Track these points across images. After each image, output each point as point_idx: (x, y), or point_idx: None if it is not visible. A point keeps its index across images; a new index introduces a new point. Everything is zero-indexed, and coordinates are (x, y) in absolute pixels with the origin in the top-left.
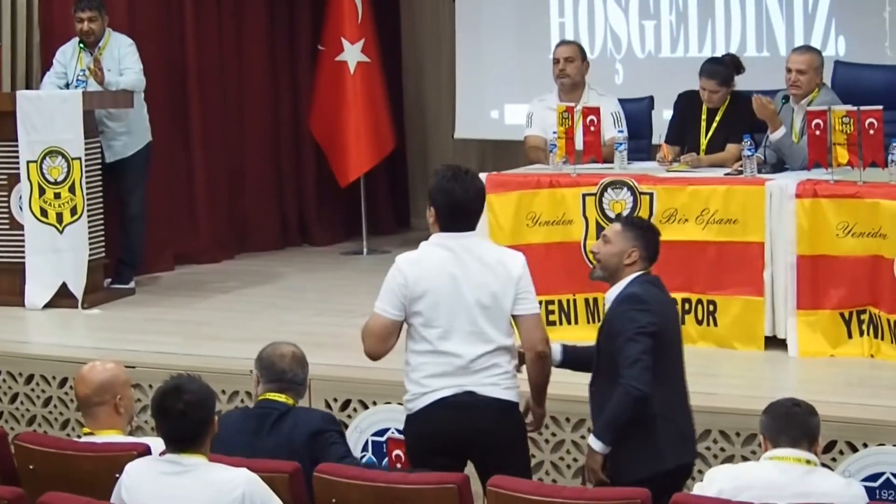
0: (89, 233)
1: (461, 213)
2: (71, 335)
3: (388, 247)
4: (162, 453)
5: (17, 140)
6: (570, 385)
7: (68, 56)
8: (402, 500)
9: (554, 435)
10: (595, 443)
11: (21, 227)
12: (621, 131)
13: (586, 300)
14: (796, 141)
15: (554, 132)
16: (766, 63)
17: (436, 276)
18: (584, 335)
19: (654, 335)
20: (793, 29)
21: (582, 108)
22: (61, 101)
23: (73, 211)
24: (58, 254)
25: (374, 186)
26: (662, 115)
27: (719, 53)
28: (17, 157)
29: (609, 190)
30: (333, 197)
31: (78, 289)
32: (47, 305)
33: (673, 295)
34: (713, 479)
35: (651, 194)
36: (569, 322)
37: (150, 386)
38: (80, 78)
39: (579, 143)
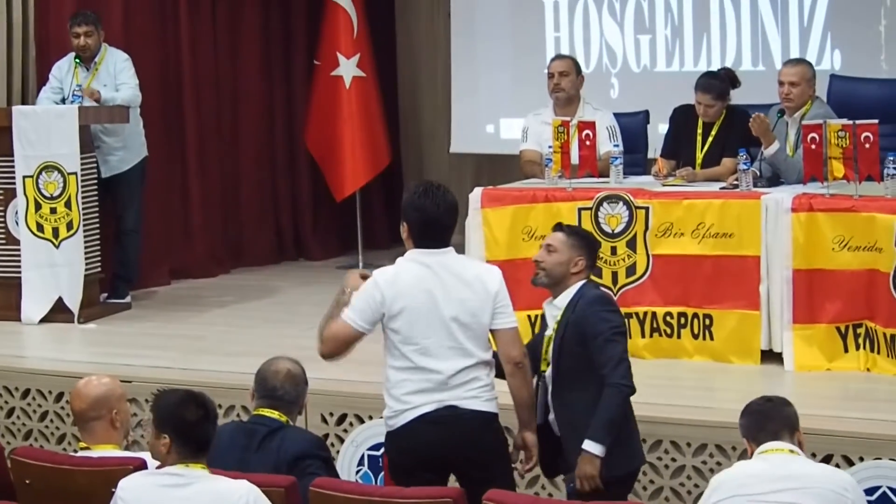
0: (85, 248)
1: (433, 228)
2: (67, 350)
3: (384, 261)
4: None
5: (13, 155)
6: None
7: (64, 71)
8: None
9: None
10: (595, 447)
11: (17, 242)
12: (617, 145)
13: None
14: (791, 154)
15: (549, 146)
16: (762, 77)
17: (413, 294)
18: None
19: (624, 335)
20: (788, 43)
21: (577, 123)
22: (57, 117)
23: (70, 226)
24: (54, 268)
25: (369, 201)
26: (658, 130)
27: (715, 67)
28: (13, 173)
29: (605, 204)
30: (329, 211)
31: (74, 303)
32: (43, 320)
33: (669, 309)
34: (720, 484)
35: (647, 208)
36: None
37: (147, 400)
38: (76, 93)
39: (575, 158)
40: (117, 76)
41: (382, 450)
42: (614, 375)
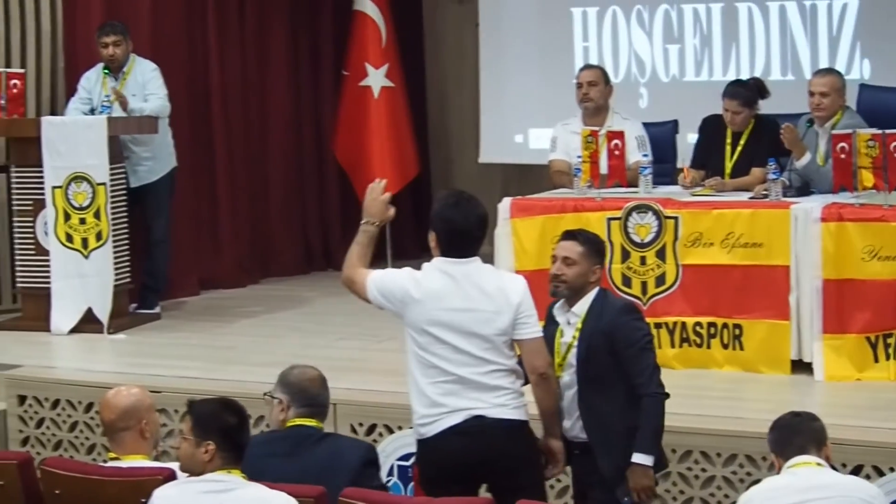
0: (114, 258)
1: (461, 239)
2: (96, 360)
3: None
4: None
5: (42, 166)
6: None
7: (93, 82)
8: None
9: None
10: (646, 458)
11: (47, 253)
12: (646, 155)
13: None
14: (821, 164)
15: (578, 156)
16: (791, 87)
17: (434, 302)
18: None
19: (652, 342)
20: (817, 52)
21: (606, 132)
22: (86, 127)
23: (99, 236)
24: (83, 279)
25: (397, 211)
26: (687, 139)
27: (744, 77)
28: (43, 183)
29: (634, 214)
30: (357, 221)
31: (103, 314)
32: (73, 330)
33: (698, 319)
34: (749, 500)
35: (676, 218)
36: None
37: (176, 411)
38: (104, 103)
39: (604, 168)
40: (146, 86)
41: (412, 460)
42: (651, 385)
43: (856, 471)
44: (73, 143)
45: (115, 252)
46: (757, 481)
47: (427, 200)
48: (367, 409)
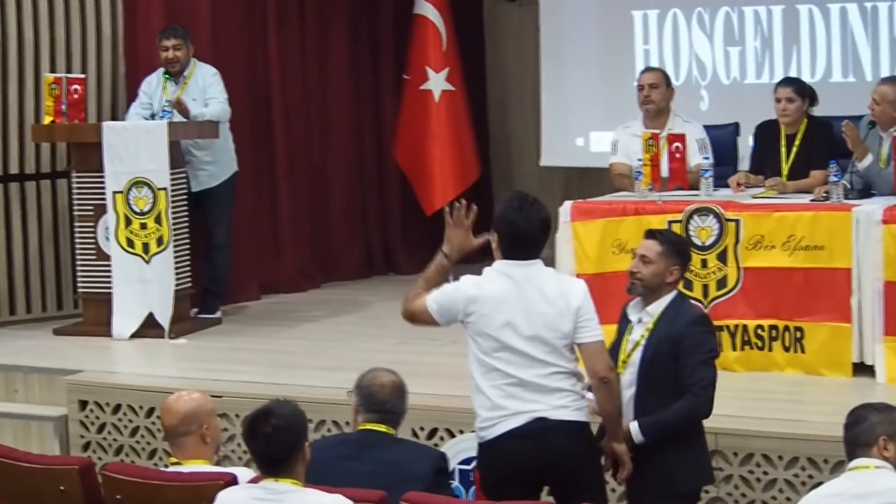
0: (175, 263)
1: (524, 242)
2: (157, 365)
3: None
4: (252, 481)
5: (103, 171)
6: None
7: (153, 87)
8: None
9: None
10: (637, 434)
11: (108, 258)
12: (707, 158)
13: None
14: (883, 166)
15: (639, 159)
16: (852, 88)
17: (495, 305)
18: None
19: (715, 360)
20: (878, 54)
21: (667, 135)
22: (147, 132)
23: (160, 241)
24: (144, 284)
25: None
26: (748, 142)
27: (805, 79)
28: (104, 188)
29: (695, 217)
30: (419, 225)
31: (164, 319)
32: (134, 335)
33: (760, 321)
34: None
35: (737, 221)
36: None
37: (237, 415)
38: (165, 108)
39: (665, 170)
40: (206, 91)
41: (473, 464)
42: (699, 395)
43: None
44: (134, 148)
45: (175, 257)
46: (818, 484)
47: (488, 204)
48: (427, 413)
